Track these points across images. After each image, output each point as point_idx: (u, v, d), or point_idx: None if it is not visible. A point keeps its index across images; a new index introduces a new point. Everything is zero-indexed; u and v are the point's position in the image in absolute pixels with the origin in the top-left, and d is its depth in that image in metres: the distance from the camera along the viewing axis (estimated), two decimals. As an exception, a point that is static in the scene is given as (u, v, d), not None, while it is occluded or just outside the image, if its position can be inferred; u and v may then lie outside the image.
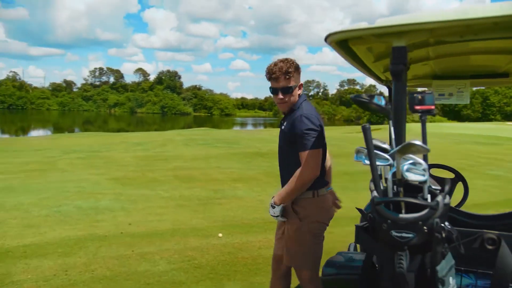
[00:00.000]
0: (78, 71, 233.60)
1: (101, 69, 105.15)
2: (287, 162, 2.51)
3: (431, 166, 2.75)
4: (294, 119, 2.44)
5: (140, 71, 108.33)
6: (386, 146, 1.45)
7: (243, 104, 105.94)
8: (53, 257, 4.19)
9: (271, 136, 19.76)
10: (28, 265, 3.98)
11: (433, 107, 1.46)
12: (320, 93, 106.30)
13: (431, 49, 2.04)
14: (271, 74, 2.45)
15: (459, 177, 2.56)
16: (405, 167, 1.27)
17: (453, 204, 2.57)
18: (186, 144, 17.05)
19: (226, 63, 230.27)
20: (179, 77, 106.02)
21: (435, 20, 1.38)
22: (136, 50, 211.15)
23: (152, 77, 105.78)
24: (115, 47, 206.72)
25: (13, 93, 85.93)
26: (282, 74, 2.42)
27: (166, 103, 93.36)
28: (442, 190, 1.45)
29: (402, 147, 1.25)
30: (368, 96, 1.49)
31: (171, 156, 13.20)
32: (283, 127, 2.55)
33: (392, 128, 1.53)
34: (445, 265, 1.22)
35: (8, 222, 5.43)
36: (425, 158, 1.38)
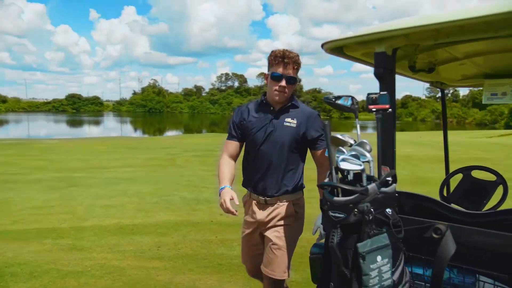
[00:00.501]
0: (207, 77, 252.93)
1: (227, 74, 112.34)
2: (287, 160, 2.37)
3: (474, 168, 2.71)
4: (308, 116, 2.37)
5: (262, 75, 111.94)
6: (351, 141, 1.64)
7: (364, 107, 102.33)
8: (152, 236, 5.00)
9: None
10: (133, 240, 4.85)
11: (387, 106, 1.59)
12: (449, 95, 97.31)
13: (470, 46, 2.01)
14: (283, 57, 2.29)
15: (500, 180, 2.49)
16: (341, 158, 1.46)
17: (490, 206, 2.51)
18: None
19: (348, 65, 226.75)
20: (299, 80, 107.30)
21: (408, 26, 1.51)
22: (260, 56, 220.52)
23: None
24: (241, 54, 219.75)
25: (153, 98, 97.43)
26: (294, 62, 2.32)
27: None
28: (393, 182, 1.59)
29: (331, 140, 1.45)
30: (335, 97, 1.69)
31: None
32: (288, 123, 2.37)
33: (358, 125, 1.71)
34: (370, 244, 1.36)
35: (126, 206, 6.55)
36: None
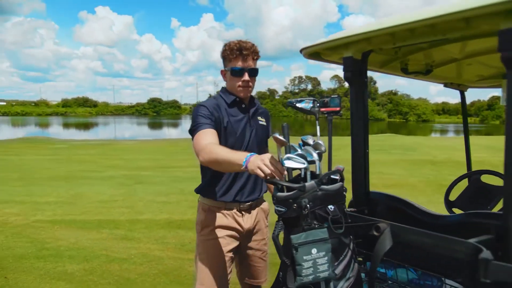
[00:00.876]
0: (281, 80, 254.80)
1: (300, 77, 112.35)
2: None
3: (484, 172, 2.61)
4: (266, 113, 2.35)
5: (336, 77, 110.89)
6: (311, 141, 1.73)
7: (444, 110, 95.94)
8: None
9: (456, 144, 17.95)
10: (177, 233, 5.24)
11: (338, 108, 1.65)
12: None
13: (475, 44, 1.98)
14: (241, 50, 2.10)
15: None
16: (285, 156, 1.56)
17: (497, 209, 2.42)
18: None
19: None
20: (375, 83, 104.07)
21: (365, 31, 1.55)
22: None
23: (347, 84, 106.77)
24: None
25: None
26: (252, 53, 2.15)
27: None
28: (341, 180, 1.66)
29: (273, 140, 1.56)
30: (297, 100, 1.80)
31: (338, 160, 13.59)
32: (261, 122, 2.30)
33: (318, 127, 1.80)
34: (304, 237, 1.44)
35: (180, 203, 7.04)
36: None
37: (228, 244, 2.18)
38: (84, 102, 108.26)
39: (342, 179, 1.66)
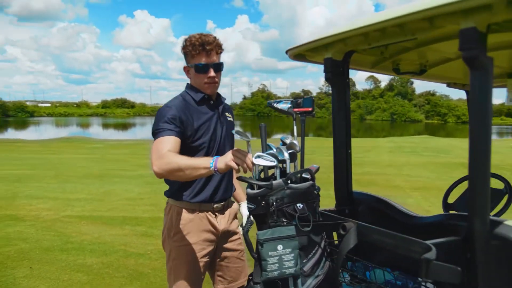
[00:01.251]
0: (316, 81, 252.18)
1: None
2: None
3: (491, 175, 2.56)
4: (231, 109, 2.30)
5: (371, 78, 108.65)
6: (288, 141, 1.79)
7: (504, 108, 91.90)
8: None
9: (494, 147, 17.23)
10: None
11: (310, 109, 1.69)
12: None
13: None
14: (203, 45, 2.00)
15: (507, 188, 2.35)
16: (256, 154, 1.61)
17: (495, 212, 2.38)
18: (391, 151, 16.87)
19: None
20: (411, 83, 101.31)
21: (338, 32, 1.57)
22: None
23: (383, 84, 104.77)
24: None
25: (262, 102, 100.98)
26: (216, 47, 2.05)
27: (396, 110, 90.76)
28: (312, 179, 1.69)
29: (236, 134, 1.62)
30: (276, 101, 1.86)
31: (367, 162, 13.47)
32: (229, 117, 2.25)
33: (295, 127, 1.84)
34: (270, 233, 1.49)
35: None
36: None
37: (203, 249, 2.11)
38: (123, 103, 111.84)
39: (312, 178, 1.70)
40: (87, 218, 6.04)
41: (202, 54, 2.01)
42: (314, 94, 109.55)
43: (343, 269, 1.81)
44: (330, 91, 2.01)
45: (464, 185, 2.79)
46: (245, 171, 1.62)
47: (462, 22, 1.20)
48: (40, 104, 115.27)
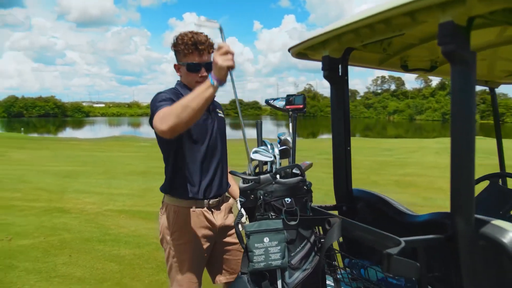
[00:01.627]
0: (363, 80, 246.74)
1: (383, 77, 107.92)
2: (226, 152, 2.30)
3: (502, 175, 2.48)
4: (221, 106, 2.34)
5: (422, 77, 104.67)
6: (283, 138, 1.85)
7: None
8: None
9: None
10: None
11: (301, 106, 1.72)
12: None
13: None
14: (196, 44, 2.01)
15: None
16: (254, 150, 1.66)
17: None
18: (437, 153, 16.25)
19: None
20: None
21: (332, 29, 1.59)
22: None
23: (434, 83, 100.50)
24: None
25: (307, 102, 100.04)
26: (208, 46, 2.05)
27: (448, 110, 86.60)
28: (301, 175, 1.72)
29: None
30: (273, 99, 1.90)
31: (411, 163, 13.10)
32: (220, 113, 2.28)
33: (290, 124, 1.87)
34: (257, 226, 1.54)
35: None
36: None
37: (202, 245, 2.13)
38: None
39: (302, 174, 1.75)
40: (127, 212, 6.38)
41: (194, 54, 2.03)
42: (362, 93, 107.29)
43: (340, 267, 1.84)
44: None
45: (484, 184, 2.72)
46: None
47: (441, 16, 1.20)
48: (95, 105, 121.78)
